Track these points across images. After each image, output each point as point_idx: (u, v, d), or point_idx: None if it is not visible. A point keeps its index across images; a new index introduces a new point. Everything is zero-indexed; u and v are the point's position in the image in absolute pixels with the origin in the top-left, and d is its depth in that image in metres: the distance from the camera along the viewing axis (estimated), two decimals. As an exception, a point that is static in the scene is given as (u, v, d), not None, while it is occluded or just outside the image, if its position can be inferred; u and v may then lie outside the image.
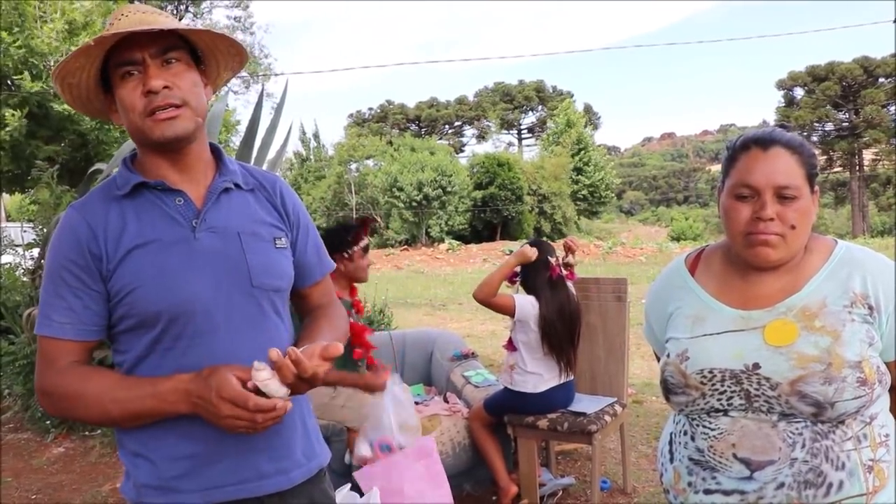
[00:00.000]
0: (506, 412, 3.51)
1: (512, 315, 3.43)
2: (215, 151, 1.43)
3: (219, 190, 1.37)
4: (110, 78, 1.30)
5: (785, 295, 1.37)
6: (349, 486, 2.92)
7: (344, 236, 3.29)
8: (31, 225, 6.80)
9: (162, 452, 1.30)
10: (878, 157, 46.63)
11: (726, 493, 1.34)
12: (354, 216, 35.18)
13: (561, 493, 3.70)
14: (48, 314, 1.29)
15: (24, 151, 9.49)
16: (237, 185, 1.41)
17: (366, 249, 3.39)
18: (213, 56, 1.39)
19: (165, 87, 1.26)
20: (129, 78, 1.27)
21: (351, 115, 67.99)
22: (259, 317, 1.36)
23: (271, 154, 5.11)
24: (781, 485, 1.29)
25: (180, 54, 1.30)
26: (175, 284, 1.27)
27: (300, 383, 1.18)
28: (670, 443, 1.50)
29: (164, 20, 1.29)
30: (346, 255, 3.27)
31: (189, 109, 1.29)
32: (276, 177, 1.51)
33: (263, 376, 1.15)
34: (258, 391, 1.17)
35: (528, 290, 3.47)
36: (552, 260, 3.48)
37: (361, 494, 2.87)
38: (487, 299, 3.41)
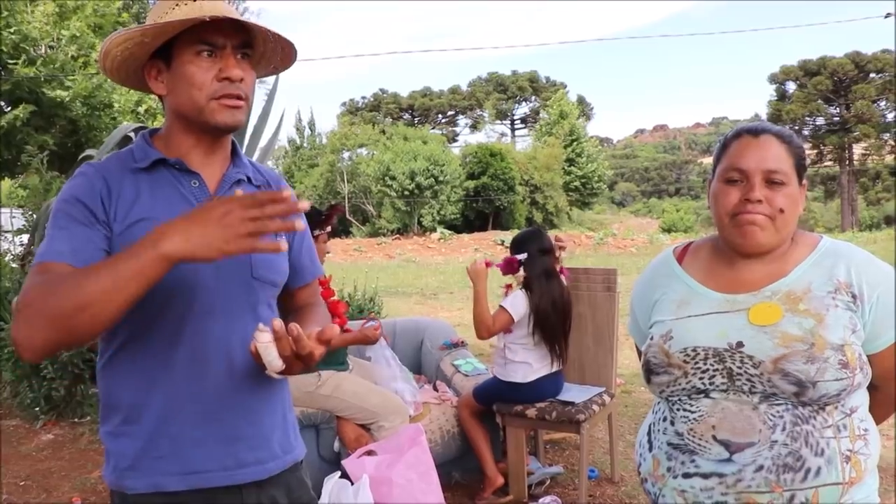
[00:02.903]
0: (495, 401, 3.53)
1: (514, 321, 3.43)
2: (231, 146, 1.47)
3: (232, 180, 1.41)
4: (173, 49, 1.30)
5: (770, 280, 1.40)
6: (339, 473, 2.94)
7: (315, 217, 3.32)
8: (21, 211, 6.76)
9: (144, 429, 1.30)
10: (868, 152, 46.77)
11: (705, 476, 1.36)
12: (347, 205, 35.14)
13: (549, 481, 3.73)
14: (47, 248, 1.23)
15: (15, 137, 9.40)
16: (248, 179, 1.45)
17: (329, 236, 3.47)
18: (262, 62, 1.44)
19: (241, 79, 1.31)
20: (206, 57, 1.29)
21: (344, 104, 67.77)
22: (254, 307, 1.38)
23: (263, 141, 5.09)
24: (760, 467, 1.31)
25: (250, 53, 1.35)
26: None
27: (295, 361, 1.20)
28: (649, 433, 1.52)
29: (238, 15, 1.32)
30: (312, 236, 3.33)
31: (247, 105, 1.35)
32: (280, 177, 1.57)
33: (265, 338, 1.18)
34: (257, 356, 1.20)
35: (524, 280, 3.48)
36: (548, 246, 3.50)
37: (351, 482, 2.89)
38: (491, 332, 3.43)
